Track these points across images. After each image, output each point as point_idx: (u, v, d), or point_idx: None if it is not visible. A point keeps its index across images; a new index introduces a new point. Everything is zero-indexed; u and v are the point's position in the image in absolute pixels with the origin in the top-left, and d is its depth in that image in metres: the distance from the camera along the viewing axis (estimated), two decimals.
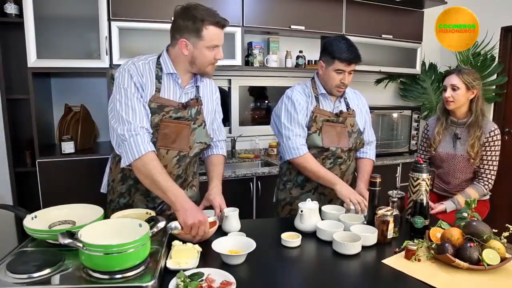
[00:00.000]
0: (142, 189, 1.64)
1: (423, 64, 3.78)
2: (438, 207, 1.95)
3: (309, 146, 1.83)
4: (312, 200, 1.61)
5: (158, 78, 1.55)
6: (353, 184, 1.96)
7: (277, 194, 2.04)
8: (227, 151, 1.91)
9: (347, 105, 1.92)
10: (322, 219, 1.58)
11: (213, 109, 1.74)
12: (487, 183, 2.02)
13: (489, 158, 2.00)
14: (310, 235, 1.52)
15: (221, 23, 1.49)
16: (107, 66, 2.44)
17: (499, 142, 2.01)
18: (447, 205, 1.98)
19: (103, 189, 1.77)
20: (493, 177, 2.03)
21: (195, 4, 1.50)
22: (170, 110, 1.55)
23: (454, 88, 1.97)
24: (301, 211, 1.53)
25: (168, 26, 1.55)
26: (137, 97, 1.50)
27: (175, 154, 1.59)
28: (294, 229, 1.54)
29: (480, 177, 2.04)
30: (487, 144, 1.99)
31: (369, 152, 2.02)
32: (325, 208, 1.68)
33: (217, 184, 1.66)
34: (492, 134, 1.98)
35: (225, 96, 3.28)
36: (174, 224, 1.37)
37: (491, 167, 2.01)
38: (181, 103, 1.58)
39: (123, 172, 1.65)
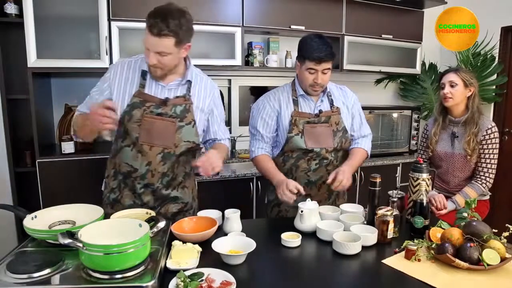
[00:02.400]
0: (130, 185, 1.65)
1: (423, 64, 3.78)
2: (443, 211, 1.92)
3: (292, 148, 1.83)
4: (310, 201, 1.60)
5: (144, 75, 1.61)
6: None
7: (267, 196, 2.03)
8: None
9: (331, 102, 1.89)
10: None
11: (209, 108, 1.72)
12: (485, 181, 2.01)
13: (487, 156, 2.00)
14: (310, 235, 1.52)
15: (151, 28, 1.43)
16: (107, 66, 2.43)
17: (497, 140, 2.01)
18: (448, 206, 1.98)
19: (103, 186, 1.77)
20: (492, 175, 2.02)
21: (170, 5, 1.47)
22: (151, 105, 1.59)
23: (452, 85, 1.99)
24: (301, 211, 1.53)
25: None
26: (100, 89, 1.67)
27: (159, 151, 1.60)
28: (294, 229, 1.54)
29: (478, 176, 2.03)
30: (484, 142, 1.99)
31: (361, 143, 1.96)
32: (321, 209, 1.66)
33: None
34: (489, 131, 1.99)
35: (223, 96, 3.28)
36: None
37: (489, 165, 2.01)
38: (161, 99, 1.60)
39: (115, 168, 1.67)
